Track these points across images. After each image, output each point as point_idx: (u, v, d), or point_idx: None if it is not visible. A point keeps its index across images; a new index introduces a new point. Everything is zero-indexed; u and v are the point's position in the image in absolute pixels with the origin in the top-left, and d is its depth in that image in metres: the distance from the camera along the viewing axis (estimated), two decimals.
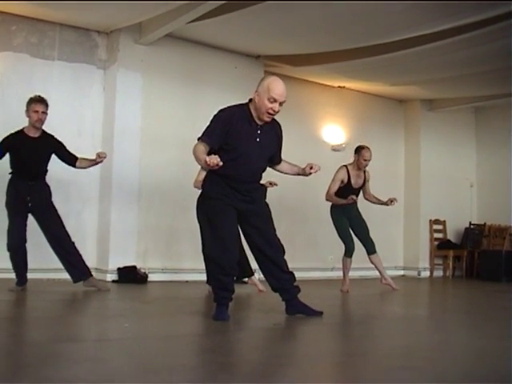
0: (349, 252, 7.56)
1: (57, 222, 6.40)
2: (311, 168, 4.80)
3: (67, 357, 3.13)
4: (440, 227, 11.49)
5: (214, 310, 4.59)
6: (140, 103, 8.13)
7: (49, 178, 7.47)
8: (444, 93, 10.88)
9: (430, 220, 11.36)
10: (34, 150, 6.32)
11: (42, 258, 7.10)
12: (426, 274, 11.23)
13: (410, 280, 10.51)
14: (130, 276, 7.70)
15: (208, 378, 2.77)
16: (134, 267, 7.84)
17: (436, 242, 11.35)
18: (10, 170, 6.35)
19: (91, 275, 6.58)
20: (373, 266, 7.76)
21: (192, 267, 8.24)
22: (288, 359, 3.34)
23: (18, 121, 7.52)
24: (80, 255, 6.48)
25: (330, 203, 7.63)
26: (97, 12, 7.48)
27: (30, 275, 6.40)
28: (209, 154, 4.45)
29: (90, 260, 6.62)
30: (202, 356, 3.34)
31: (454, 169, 11.74)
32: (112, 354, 3.33)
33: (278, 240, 4.80)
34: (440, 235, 11.46)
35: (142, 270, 7.90)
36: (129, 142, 8.05)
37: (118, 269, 7.70)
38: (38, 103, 6.29)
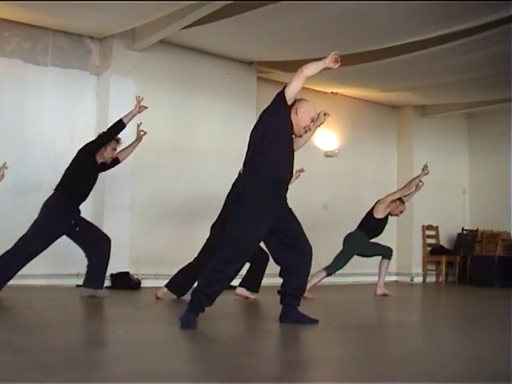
0: (329, 273, 7.41)
1: (98, 230, 6.44)
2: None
3: (59, 362, 3.12)
4: (433, 233, 11.51)
5: (184, 313, 4.35)
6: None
7: (42, 184, 7.48)
8: (436, 99, 10.92)
9: (423, 226, 11.39)
10: (96, 177, 6.43)
11: (33, 264, 7.10)
12: (418, 279, 11.25)
13: (403, 286, 10.53)
14: (123, 282, 7.68)
15: None
16: (127, 273, 7.82)
17: (429, 248, 11.37)
18: (57, 188, 6.26)
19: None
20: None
21: None
22: (281, 365, 3.34)
23: (11, 126, 7.54)
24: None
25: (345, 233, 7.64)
26: (90, 18, 7.48)
27: (18, 281, 6.37)
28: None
29: (83, 266, 6.58)
30: (195, 362, 3.34)
31: (447, 174, 11.77)
32: (105, 360, 3.32)
33: (309, 245, 4.79)
34: (433, 241, 11.48)
35: (135, 276, 7.89)
36: (122, 147, 8.04)
37: (111, 275, 7.67)
38: (118, 144, 6.50)
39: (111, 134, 6.30)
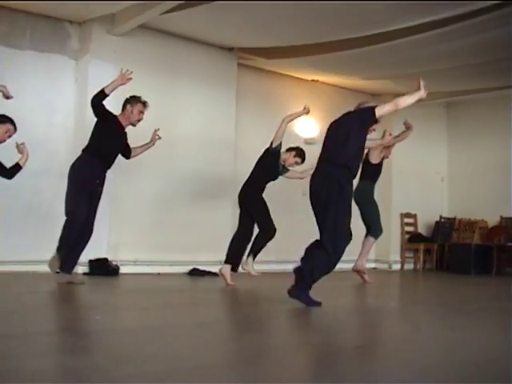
0: (376, 235, 8.04)
1: (93, 216, 6.42)
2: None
3: (38, 349, 3.11)
4: (411, 220, 11.59)
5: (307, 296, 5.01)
6: (112, 95, 8.06)
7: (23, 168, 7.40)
8: (416, 87, 10.93)
9: (401, 213, 11.46)
10: (122, 139, 6.55)
11: (10, 250, 7.07)
12: (396, 266, 11.33)
13: (381, 273, 10.60)
14: (102, 268, 7.65)
15: (178, 370, 2.77)
16: (106, 259, 7.79)
17: (407, 235, 11.45)
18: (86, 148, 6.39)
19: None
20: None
21: (164, 259, 8.22)
22: (255, 351, 3.35)
23: None
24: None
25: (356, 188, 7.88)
26: (69, 1, 7.39)
27: None
28: None
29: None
30: (173, 348, 3.34)
31: (426, 163, 11.85)
32: (83, 346, 3.32)
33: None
34: (411, 228, 11.56)
35: (114, 263, 7.86)
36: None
37: (90, 261, 7.63)
38: (145, 107, 6.62)
39: (92, 104, 6.32)
